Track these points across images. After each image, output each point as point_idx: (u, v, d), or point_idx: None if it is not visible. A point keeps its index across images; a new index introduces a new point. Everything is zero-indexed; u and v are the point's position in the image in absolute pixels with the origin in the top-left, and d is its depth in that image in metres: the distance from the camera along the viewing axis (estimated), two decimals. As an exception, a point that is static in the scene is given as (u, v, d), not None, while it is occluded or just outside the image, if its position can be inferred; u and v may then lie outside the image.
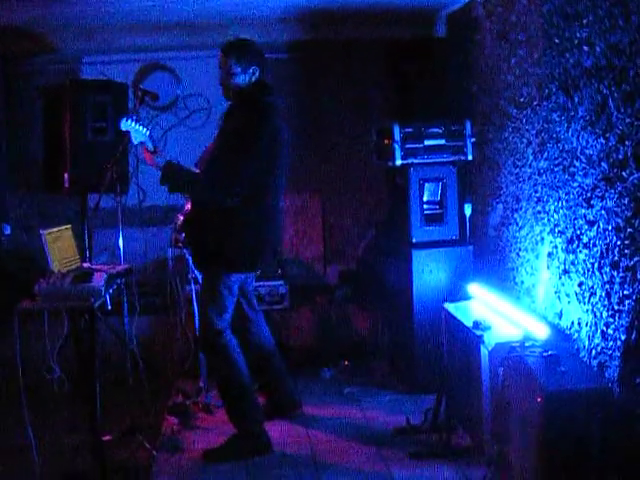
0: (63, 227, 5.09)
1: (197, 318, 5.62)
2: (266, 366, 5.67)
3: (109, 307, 4.83)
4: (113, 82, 6.89)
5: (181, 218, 5.54)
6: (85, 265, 5.24)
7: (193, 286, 6.19)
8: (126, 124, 4.98)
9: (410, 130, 6.00)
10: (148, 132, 5.00)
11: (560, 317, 4.77)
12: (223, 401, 5.30)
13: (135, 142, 5.05)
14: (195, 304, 6.03)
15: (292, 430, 5.53)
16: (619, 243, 4.06)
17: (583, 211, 4.46)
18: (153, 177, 6.92)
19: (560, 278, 4.78)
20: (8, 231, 6.13)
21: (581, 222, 4.49)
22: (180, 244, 5.75)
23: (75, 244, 5.21)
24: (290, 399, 5.79)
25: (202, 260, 5.25)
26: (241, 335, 5.38)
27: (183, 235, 5.54)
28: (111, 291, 4.88)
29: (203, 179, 5.00)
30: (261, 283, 6.61)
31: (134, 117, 5.01)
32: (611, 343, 4.14)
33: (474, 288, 5.57)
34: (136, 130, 4.99)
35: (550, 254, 4.96)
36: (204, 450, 5.18)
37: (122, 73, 7.27)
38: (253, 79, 5.12)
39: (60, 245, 4.96)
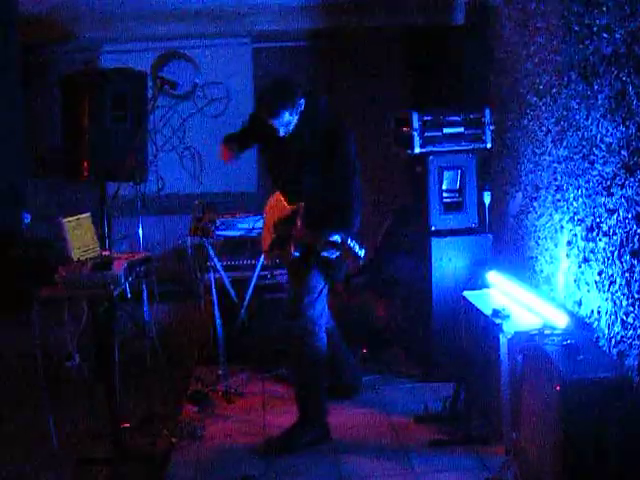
0: (82, 215, 5.11)
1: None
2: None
3: (128, 295, 4.85)
4: (132, 70, 6.90)
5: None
6: (104, 253, 5.26)
7: (212, 274, 6.21)
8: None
9: (429, 118, 5.98)
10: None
11: (580, 305, 4.76)
12: (301, 386, 5.29)
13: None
14: (214, 292, 6.06)
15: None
16: (639, 231, 4.04)
17: (603, 199, 4.44)
18: (172, 165, 6.98)
19: (580, 266, 4.77)
20: (28, 219, 6.15)
21: (601, 210, 4.47)
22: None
23: (94, 232, 5.23)
24: (352, 379, 5.89)
25: None
26: None
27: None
28: (130, 279, 4.90)
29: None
30: (280, 271, 6.62)
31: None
32: (631, 332, 4.13)
33: (493, 276, 5.56)
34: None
35: (569, 242, 4.94)
36: (265, 440, 5.17)
37: (141, 61, 7.28)
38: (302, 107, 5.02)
39: (80, 233, 4.98)
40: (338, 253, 4.68)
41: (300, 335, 5.13)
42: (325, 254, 4.70)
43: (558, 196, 5.11)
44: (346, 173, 5.02)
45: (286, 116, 4.93)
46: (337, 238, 4.62)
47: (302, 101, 4.97)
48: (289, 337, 5.23)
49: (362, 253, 4.74)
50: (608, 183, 4.37)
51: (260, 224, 6.23)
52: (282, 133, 5.02)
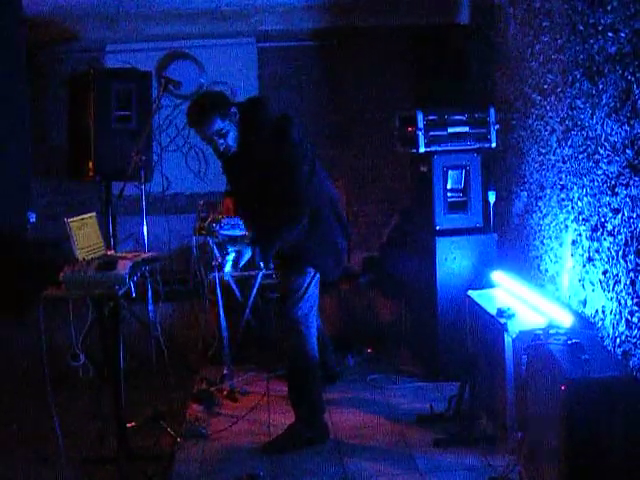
0: (87, 215, 5.11)
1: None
2: None
3: (133, 294, 4.85)
4: (137, 70, 6.91)
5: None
6: (109, 253, 5.26)
7: (217, 274, 6.21)
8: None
9: (433, 117, 5.98)
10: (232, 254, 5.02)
11: (584, 305, 4.76)
12: (292, 387, 5.28)
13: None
14: (219, 291, 6.07)
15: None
16: (644, 231, 4.05)
17: (607, 199, 4.44)
18: (177, 165, 6.97)
19: (584, 266, 4.77)
20: (33, 219, 6.16)
21: (605, 210, 4.47)
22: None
23: (100, 232, 5.23)
24: (330, 370, 5.95)
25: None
26: None
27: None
28: (135, 278, 4.90)
29: (285, 222, 4.96)
30: (285, 271, 6.63)
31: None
32: (636, 331, 4.13)
33: (498, 276, 5.56)
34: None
35: (574, 242, 4.94)
36: (263, 444, 5.16)
37: (146, 61, 7.30)
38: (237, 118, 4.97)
39: (85, 233, 4.98)
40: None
41: (287, 335, 5.18)
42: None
43: (563, 195, 5.11)
44: (290, 178, 4.94)
45: (218, 123, 4.85)
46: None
47: (234, 109, 4.92)
48: (282, 338, 5.29)
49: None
50: (613, 182, 4.37)
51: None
52: (223, 147, 4.96)
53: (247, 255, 4.92)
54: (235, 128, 4.93)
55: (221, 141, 4.93)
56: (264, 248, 4.92)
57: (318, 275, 5.21)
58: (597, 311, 4.58)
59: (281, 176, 4.92)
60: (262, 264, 5.03)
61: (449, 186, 6.05)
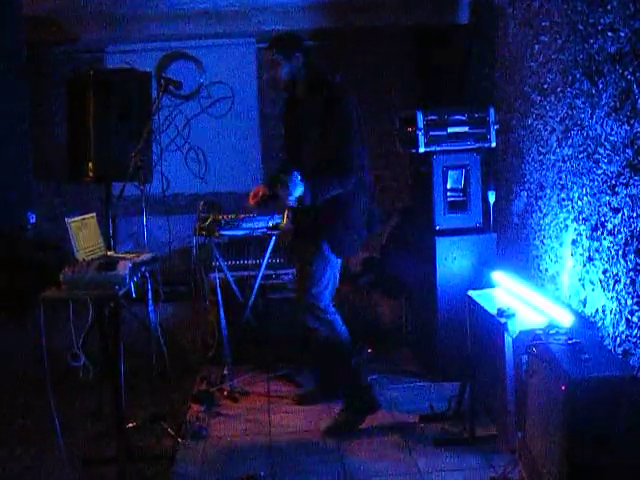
0: (88, 215, 5.11)
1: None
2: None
3: (133, 295, 4.85)
4: (137, 71, 6.90)
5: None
6: (109, 253, 5.26)
7: (217, 274, 6.22)
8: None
9: (433, 117, 5.98)
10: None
11: (584, 305, 4.76)
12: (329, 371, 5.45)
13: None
14: (219, 292, 6.08)
15: (316, 417, 5.54)
16: (644, 230, 4.05)
17: (607, 198, 4.44)
18: (177, 165, 6.97)
19: (584, 265, 4.77)
20: (33, 219, 6.15)
21: (605, 209, 4.47)
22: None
23: (100, 232, 5.23)
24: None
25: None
26: None
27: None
28: (136, 279, 4.90)
29: (337, 174, 5.05)
30: (285, 270, 6.64)
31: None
32: (636, 331, 4.13)
33: (498, 275, 5.56)
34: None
35: (574, 241, 4.94)
36: (324, 429, 5.30)
37: (146, 62, 7.30)
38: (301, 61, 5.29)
39: (85, 233, 4.98)
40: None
41: (308, 319, 5.27)
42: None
43: (563, 195, 5.11)
44: (342, 136, 5.06)
45: (279, 57, 5.23)
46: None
47: (298, 54, 5.25)
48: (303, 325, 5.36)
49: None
50: (613, 182, 4.37)
51: (263, 224, 6.27)
52: (285, 75, 5.27)
53: (299, 190, 4.92)
54: (290, 66, 5.25)
55: (286, 65, 5.26)
56: (316, 185, 4.98)
57: (334, 258, 5.27)
58: (597, 310, 4.58)
59: (337, 133, 5.06)
60: (307, 201, 4.99)
61: (449, 186, 6.06)
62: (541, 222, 5.53)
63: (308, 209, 5.10)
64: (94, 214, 5.15)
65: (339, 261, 5.35)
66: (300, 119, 5.35)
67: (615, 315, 4.35)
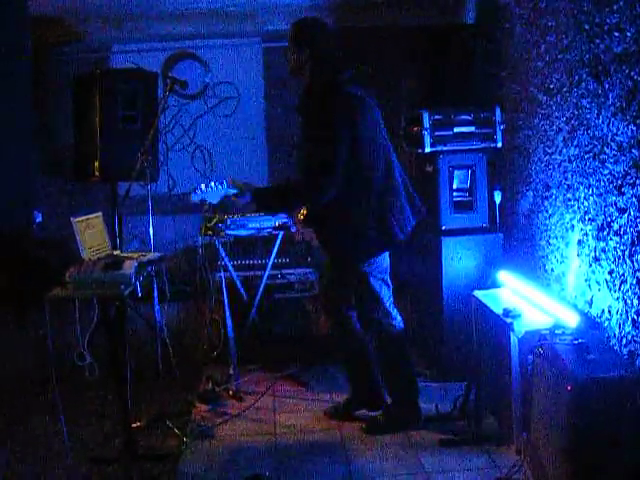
0: (93, 215, 5.11)
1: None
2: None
3: (139, 294, 4.85)
4: (143, 70, 6.91)
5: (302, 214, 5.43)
6: (115, 253, 5.27)
7: (223, 274, 6.23)
8: (198, 196, 4.80)
9: (439, 117, 5.98)
10: (224, 184, 4.81)
11: (590, 305, 4.75)
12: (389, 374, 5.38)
13: (216, 202, 4.88)
14: (225, 291, 6.09)
15: (322, 417, 5.54)
16: (650, 230, 4.04)
17: (614, 198, 4.43)
18: (183, 165, 6.96)
19: (590, 266, 4.76)
20: (39, 219, 6.16)
21: (612, 209, 4.46)
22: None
23: (105, 232, 5.23)
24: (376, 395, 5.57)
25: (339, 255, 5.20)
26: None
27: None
28: (141, 279, 4.90)
29: (296, 183, 4.98)
30: (291, 271, 6.64)
31: (199, 187, 4.79)
32: (642, 331, 4.13)
33: (504, 276, 5.55)
34: (211, 193, 4.81)
35: (580, 242, 4.93)
36: (364, 425, 5.30)
37: (152, 62, 7.31)
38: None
39: (91, 233, 4.98)
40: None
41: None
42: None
43: (569, 195, 5.11)
44: (319, 139, 4.85)
45: (291, 42, 5.04)
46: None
47: (308, 44, 5.00)
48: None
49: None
50: (619, 182, 4.36)
51: (269, 224, 6.27)
52: (290, 65, 5.10)
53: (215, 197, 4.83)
54: (297, 57, 5.04)
55: (291, 56, 5.06)
56: (261, 198, 4.89)
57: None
58: (603, 311, 4.57)
59: (314, 137, 4.91)
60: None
61: (455, 186, 6.05)
62: (547, 222, 5.52)
63: (313, 222, 5.08)
64: (100, 213, 5.16)
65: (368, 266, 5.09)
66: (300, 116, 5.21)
67: (621, 315, 4.35)
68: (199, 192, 4.77)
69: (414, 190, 5.27)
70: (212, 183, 4.77)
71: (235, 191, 4.83)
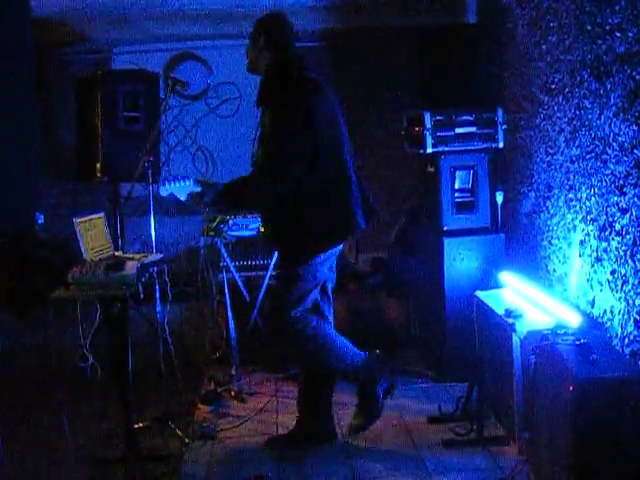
0: (95, 216, 5.12)
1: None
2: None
3: (141, 295, 4.86)
4: (144, 72, 6.92)
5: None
6: (117, 254, 5.27)
7: (225, 274, 6.23)
8: (166, 190, 4.64)
9: (441, 118, 5.98)
10: (190, 181, 4.66)
11: (592, 305, 4.75)
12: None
13: (184, 199, 4.71)
14: (227, 292, 6.09)
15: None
16: (652, 231, 4.04)
17: (615, 198, 4.43)
18: (185, 166, 6.95)
19: (592, 266, 4.76)
20: (41, 220, 6.17)
21: (614, 210, 4.46)
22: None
23: (107, 233, 5.24)
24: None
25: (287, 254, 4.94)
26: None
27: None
28: (143, 279, 4.90)
29: (260, 169, 4.75)
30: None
31: (169, 179, 4.63)
32: (644, 331, 4.13)
33: (506, 276, 5.55)
34: (178, 189, 4.66)
35: (582, 242, 4.93)
36: (269, 440, 5.21)
37: (154, 62, 7.32)
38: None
39: (92, 234, 4.99)
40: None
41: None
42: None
43: (571, 195, 5.11)
44: (269, 146, 4.70)
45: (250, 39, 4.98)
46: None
47: (263, 39, 4.88)
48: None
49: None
50: (621, 182, 4.36)
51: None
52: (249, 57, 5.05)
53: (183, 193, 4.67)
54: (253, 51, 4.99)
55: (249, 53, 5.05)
56: (227, 194, 4.71)
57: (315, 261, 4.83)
58: (605, 311, 4.57)
59: (276, 124, 4.70)
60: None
61: (457, 186, 6.05)
62: (549, 222, 5.52)
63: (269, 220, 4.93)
64: (102, 214, 5.17)
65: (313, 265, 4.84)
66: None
67: (623, 316, 4.34)
68: (168, 186, 4.63)
69: (368, 190, 5.04)
70: (182, 180, 4.62)
71: (199, 189, 4.68)
